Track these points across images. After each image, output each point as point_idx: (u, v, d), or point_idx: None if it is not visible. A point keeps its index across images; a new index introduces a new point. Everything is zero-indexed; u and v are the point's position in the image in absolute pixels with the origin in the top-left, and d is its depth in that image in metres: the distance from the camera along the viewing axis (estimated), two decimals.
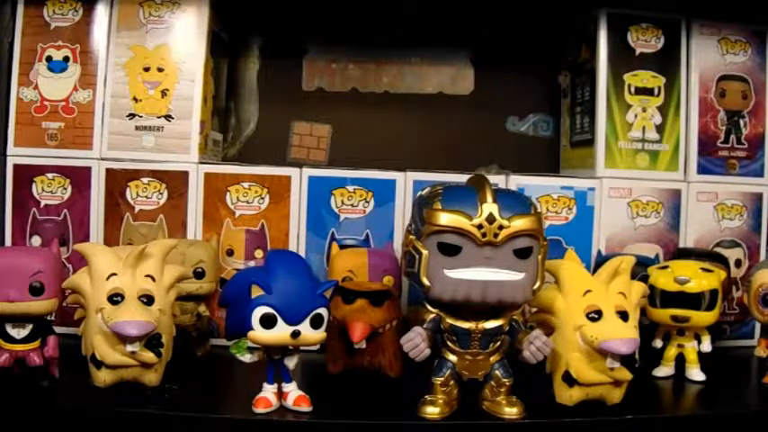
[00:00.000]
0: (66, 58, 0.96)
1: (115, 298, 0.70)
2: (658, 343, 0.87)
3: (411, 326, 0.70)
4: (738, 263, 1.02)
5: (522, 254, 0.68)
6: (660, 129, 1.01)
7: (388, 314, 0.79)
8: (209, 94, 1.01)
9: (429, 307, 0.71)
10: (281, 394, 0.71)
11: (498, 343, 0.71)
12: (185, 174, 0.95)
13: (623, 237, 0.99)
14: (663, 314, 0.83)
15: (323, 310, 0.69)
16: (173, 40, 0.97)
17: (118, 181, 0.95)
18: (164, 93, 0.96)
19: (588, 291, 0.73)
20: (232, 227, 0.95)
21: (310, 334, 0.68)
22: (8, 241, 0.95)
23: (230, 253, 0.95)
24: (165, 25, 0.97)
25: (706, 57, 1.02)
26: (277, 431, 0.69)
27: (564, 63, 1.13)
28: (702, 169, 1.02)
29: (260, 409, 0.69)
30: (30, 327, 0.73)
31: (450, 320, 0.70)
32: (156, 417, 0.69)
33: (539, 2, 1.08)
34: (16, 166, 0.95)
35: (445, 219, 0.67)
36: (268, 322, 0.67)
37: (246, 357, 0.71)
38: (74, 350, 0.74)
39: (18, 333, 0.72)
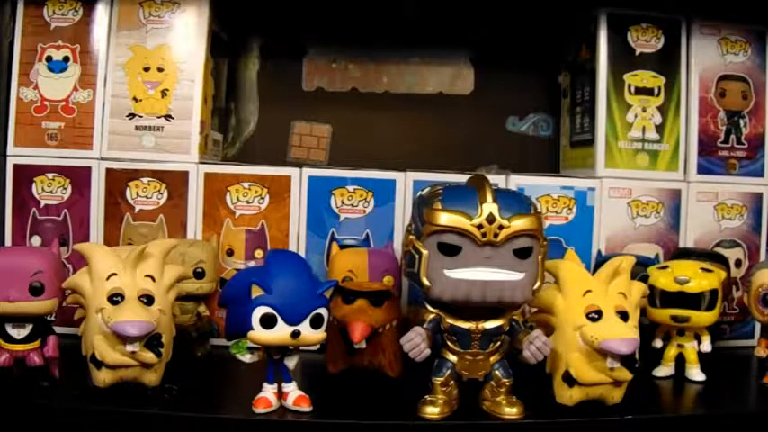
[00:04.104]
0: (66, 58, 0.96)
1: (115, 298, 0.70)
2: (658, 343, 0.87)
3: (411, 326, 0.70)
4: (738, 263, 1.02)
5: (522, 254, 0.68)
6: (660, 129, 1.01)
7: (388, 314, 0.79)
8: (209, 94, 1.01)
9: (429, 307, 0.71)
10: (281, 394, 0.71)
11: (498, 343, 0.71)
12: (185, 174, 0.95)
13: (623, 237, 0.99)
14: (663, 314, 0.83)
15: (323, 310, 0.69)
16: (173, 40, 0.97)
17: (118, 181, 0.95)
18: (164, 93, 0.96)
19: (588, 291, 0.73)
20: (232, 227, 0.95)
21: (310, 334, 0.68)
22: (8, 241, 0.95)
23: (230, 253, 0.95)
24: (165, 25, 0.97)
25: (706, 57, 1.02)
26: (277, 431, 0.69)
27: (564, 63, 1.13)
28: (702, 169, 1.02)
29: (260, 409, 0.69)
30: (30, 327, 0.73)
31: (450, 320, 0.70)
32: (156, 417, 0.69)
33: (539, 2, 1.08)
34: (16, 166, 0.95)
35: (445, 219, 0.67)
36: (268, 322, 0.67)
37: (246, 357, 0.71)
38: (74, 350, 0.74)
39: (18, 333, 0.72)
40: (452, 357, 0.71)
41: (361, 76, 1.17)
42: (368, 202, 0.95)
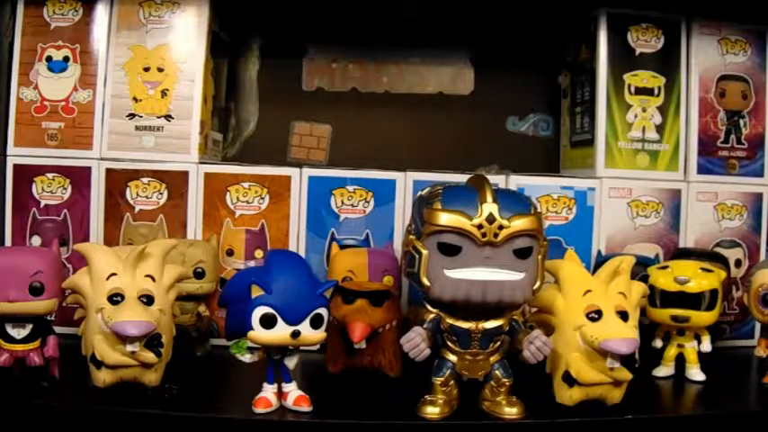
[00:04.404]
0: (66, 58, 0.96)
1: (115, 298, 0.70)
2: (658, 343, 0.87)
3: (411, 326, 0.70)
4: (738, 263, 1.02)
5: (522, 254, 0.68)
6: (660, 129, 1.01)
7: (388, 314, 0.79)
8: (209, 94, 1.01)
9: (429, 307, 0.71)
10: (281, 394, 0.71)
11: (498, 343, 0.71)
12: (185, 174, 0.95)
13: (623, 237, 0.99)
14: (663, 314, 0.83)
15: (323, 310, 0.69)
16: (173, 40, 0.97)
17: (118, 181, 0.95)
18: (164, 93, 0.96)
19: (588, 291, 0.73)
20: (232, 227, 0.95)
21: (310, 334, 0.68)
22: (8, 241, 0.95)
23: (230, 253, 0.95)
24: (165, 25, 0.97)
25: (706, 57, 1.02)
26: (277, 431, 0.69)
27: (564, 63, 1.13)
28: (702, 169, 1.02)
29: (260, 409, 0.69)
30: (30, 327, 0.73)
31: (450, 320, 0.70)
32: (156, 417, 0.69)
33: (539, 2, 1.08)
34: (16, 166, 0.95)
35: (445, 219, 0.67)
36: (268, 322, 0.67)
37: (246, 357, 0.71)
38: (74, 350, 0.74)
39: (18, 333, 0.72)
40: (452, 357, 0.71)
41: (361, 76, 1.17)
42: (368, 202, 0.95)
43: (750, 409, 0.78)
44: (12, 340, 0.72)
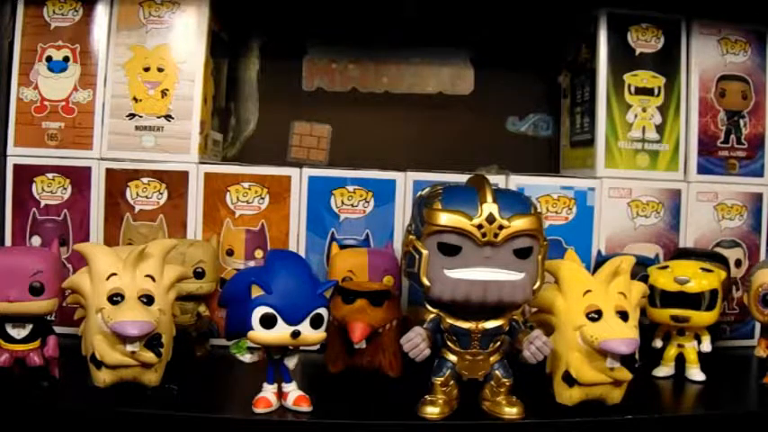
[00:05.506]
0: (66, 58, 0.96)
1: (115, 298, 0.70)
2: (658, 343, 0.87)
3: (411, 326, 0.70)
4: (738, 263, 1.02)
5: (522, 254, 0.68)
6: (660, 129, 1.01)
7: (388, 314, 0.79)
8: (209, 94, 1.01)
9: (429, 307, 0.71)
10: (281, 394, 0.71)
11: (498, 343, 0.71)
12: (185, 174, 0.95)
13: (623, 237, 0.99)
14: (663, 314, 0.83)
15: (323, 310, 0.69)
16: (173, 40, 0.97)
17: (118, 181, 0.95)
18: (164, 93, 0.96)
19: (588, 291, 0.73)
20: (232, 227, 0.95)
21: (310, 334, 0.68)
22: (8, 241, 0.95)
23: (230, 253, 0.95)
24: (165, 25, 0.97)
25: (706, 57, 1.02)
26: (277, 431, 0.69)
27: (564, 63, 1.13)
28: (702, 169, 1.02)
29: (260, 409, 0.69)
30: (30, 327, 0.73)
31: (450, 320, 0.70)
32: (156, 417, 0.69)
33: (539, 2, 1.08)
34: (16, 166, 0.95)
35: (445, 219, 0.67)
36: (268, 322, 0.67)
37: (246, 357, 0.71)
38: (74, 350, 0.74)
39: (18, 333, 0.72)
40: (452, 357, 0.71)
41: (361, 76, 1.17)
42: (368, 202, 0.95)
43: (750, 409, 0.78)
44: (12, 340, 0.72)
